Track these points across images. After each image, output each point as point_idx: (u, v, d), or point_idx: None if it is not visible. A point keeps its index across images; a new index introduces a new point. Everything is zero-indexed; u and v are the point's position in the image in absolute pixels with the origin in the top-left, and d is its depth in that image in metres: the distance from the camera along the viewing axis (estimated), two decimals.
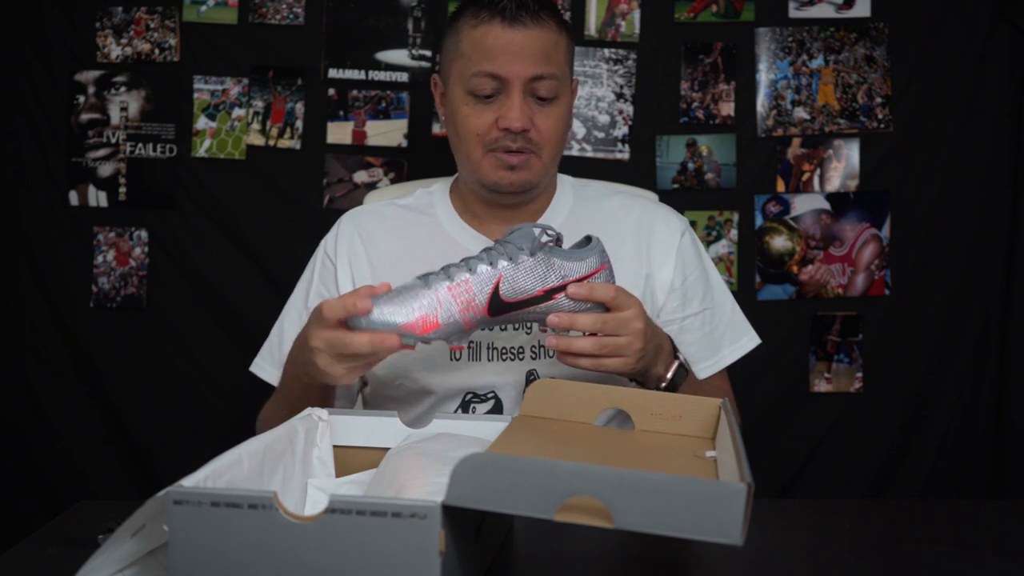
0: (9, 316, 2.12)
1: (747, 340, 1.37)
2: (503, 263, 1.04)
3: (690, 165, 2.13)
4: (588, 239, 1.10)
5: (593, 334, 1.06)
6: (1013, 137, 2.12)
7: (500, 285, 1.04)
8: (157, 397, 2.11)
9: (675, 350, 1.16)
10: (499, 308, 1.05)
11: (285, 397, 1.22)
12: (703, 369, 1.32)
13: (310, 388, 1.14)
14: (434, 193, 1.38)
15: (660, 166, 2.13)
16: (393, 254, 1.32)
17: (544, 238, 1.06)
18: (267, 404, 1.31)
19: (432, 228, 1.34)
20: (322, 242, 1.37)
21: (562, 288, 1.06)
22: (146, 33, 2.11)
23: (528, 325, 1.22)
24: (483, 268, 1.03)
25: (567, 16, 2.10)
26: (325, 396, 1.19)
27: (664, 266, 1.32)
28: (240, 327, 2.07)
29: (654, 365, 1.11)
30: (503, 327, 1.23)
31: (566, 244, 1.11)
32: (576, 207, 1.36)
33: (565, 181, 1.39)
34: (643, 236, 1.33)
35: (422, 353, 1.24)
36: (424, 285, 1.02)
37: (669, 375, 1.13)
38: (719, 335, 1.34)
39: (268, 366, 1.33)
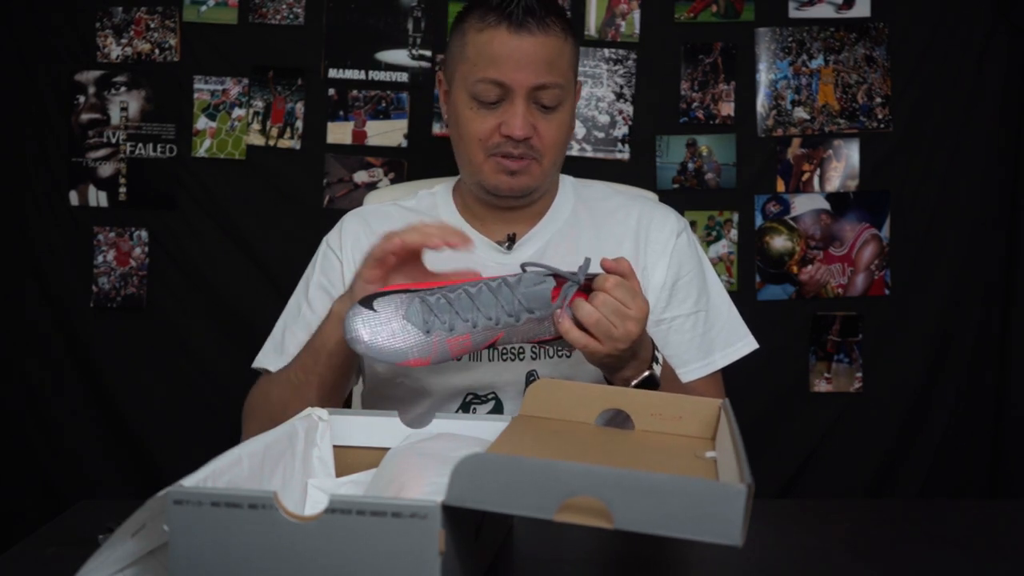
0: (9, 316, 2.12)
1: (742, 345, 1.34)
2: (506, 319, 1.03)
3: (690, 165, 2.13)
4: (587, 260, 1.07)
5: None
6: (1013, 137, 2.11)
7: (498, 340, 1.04)
8: (157, 397, 2.11)
9: (652, 360, 1.12)
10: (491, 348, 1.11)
11: (300, 369, 1.18)
12: (692, 371, 1.30)
13: (332, 356, 1.13)
14: (437, 195, 1.38)
15: (660, 166, 2.13)
16: None
17: (551, 284, 1.03)
18: (259, 387, 1.28)
19: None
20: (325, 239, 1.37)
21: (554, 339, 1.07)
22: (146, 33, 2.11)
23: None
24: (484, 322, 1.02)
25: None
26: (347, 365, 1.16)
27: (657, 266, 1.31)
28: (240, 327, 2.07)
29: (625, 367, 1.08)
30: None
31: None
32: (577, 209, 1.36)
33: (566, 182, 1.39)
34: (641, 236, 1.33)
35: None
36: (423, 331, 1.01)
37: (634, 383, 1.10)
38: (711, 338, 1.33)
39: (270, 362, 1.32)
